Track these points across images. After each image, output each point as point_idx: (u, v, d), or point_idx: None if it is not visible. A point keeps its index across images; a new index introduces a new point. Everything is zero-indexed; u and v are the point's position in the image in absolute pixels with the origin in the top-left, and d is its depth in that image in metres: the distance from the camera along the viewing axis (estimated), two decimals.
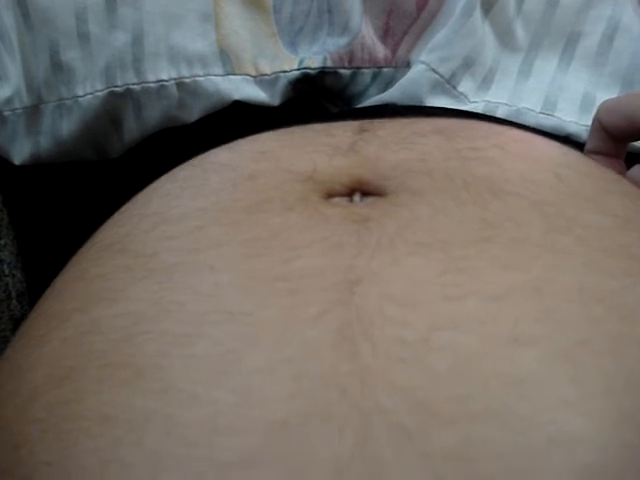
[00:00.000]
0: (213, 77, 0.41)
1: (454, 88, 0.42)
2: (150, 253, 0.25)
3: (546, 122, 0.42)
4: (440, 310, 0.21)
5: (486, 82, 0.42)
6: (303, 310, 0.21)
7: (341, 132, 0.31)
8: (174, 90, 0.41)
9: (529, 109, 0.42)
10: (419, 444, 0.18)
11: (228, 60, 0.41)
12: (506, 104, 0.42)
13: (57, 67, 0.41)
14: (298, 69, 0.42)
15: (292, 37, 0.42)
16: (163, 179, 0.30)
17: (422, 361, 0.20)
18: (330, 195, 0.27)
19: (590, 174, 0.28)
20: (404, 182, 0.26)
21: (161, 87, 0.41)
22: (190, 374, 0.21)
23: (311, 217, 0.25)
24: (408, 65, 0.42)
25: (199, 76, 0.41)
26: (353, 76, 0.42)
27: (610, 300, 0.22)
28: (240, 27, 0.42)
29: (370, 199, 0.27)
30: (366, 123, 0.32)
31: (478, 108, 0.42)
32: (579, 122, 0.42)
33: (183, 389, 0.20)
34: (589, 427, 0.19)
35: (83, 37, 0.41)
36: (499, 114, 0.42)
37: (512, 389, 0.19)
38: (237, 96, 0.41)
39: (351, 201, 0.27)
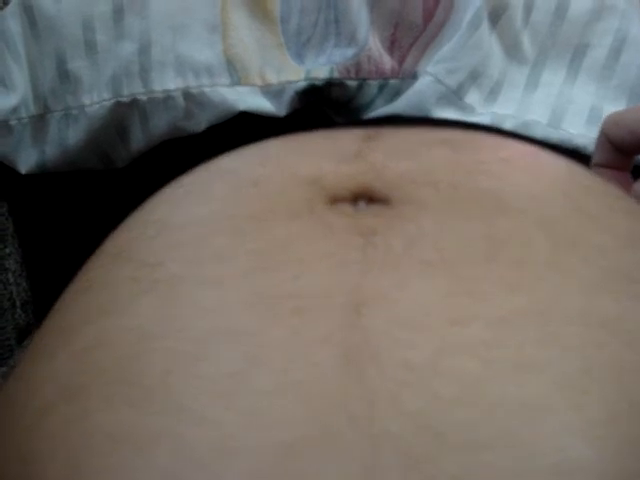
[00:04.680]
0: (220, 87, 0.41)
1: (461, 100, 0.41)
2: (155, 263, 0.25)
3: (553, 135, 0.42)
4: (446, 334, 0.21)
5: (493, 94, 0.42)
6: (309, 331, 0.21)
7: (347, 140, 0.30)
8: (181, 100, 0.41)
9: (536, 121, 0.42)
10: (426, 470, 0.18)
11: (235, 70, 0.41)
12: (513, 116, 0.42)
13: (64, 76, 0.41)
14: (305, 80, 0.42)
15: (299, 48, 0.42)
16: (169, 186, 0.30)
17: (429, 386, 0.20)
18: (335, 201, 0.27)
19: (595, 190, 0.28)
20: (410, 192, 0.26)
21: (168, 97, 0.41)
22: (197, 394, 0.20)
23: (316, 227, 0.25)
24: (415, 77, 0.42)
25: (206, 86, 0.41)
26: (360, 87, 0.42)
27: (613, 325, 0.22)
28: (247, 37, 0.42)
29: (375, 207, 0.26)
30: (372, 132, 0.31)
31: (485, 120, 0.42)
32: (586, 135, 0.42)
33: (190, 409, 0.20)
34: (592, 454, 0.19)
35: (90, 46, 0.41)
36: (506, 126, 0.42)
37: (517, 415, 0.19)
38: (243, 106, 0.41)
39: (356, 209, 0.27)
